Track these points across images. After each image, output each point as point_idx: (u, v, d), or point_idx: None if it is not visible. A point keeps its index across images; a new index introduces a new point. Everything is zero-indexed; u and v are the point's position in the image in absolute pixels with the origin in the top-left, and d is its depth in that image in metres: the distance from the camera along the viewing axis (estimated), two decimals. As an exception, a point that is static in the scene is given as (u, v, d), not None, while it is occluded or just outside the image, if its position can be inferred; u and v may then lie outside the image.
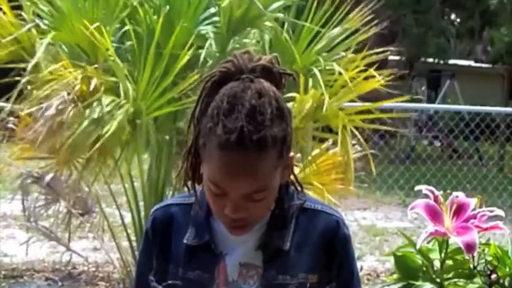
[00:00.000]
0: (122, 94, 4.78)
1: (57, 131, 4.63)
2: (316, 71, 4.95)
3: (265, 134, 1.72)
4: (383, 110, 5.80)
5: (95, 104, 4.70)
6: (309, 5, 5.25)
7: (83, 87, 4.74)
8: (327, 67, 5.11)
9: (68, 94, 4.65)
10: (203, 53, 5.00)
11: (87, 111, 4.67)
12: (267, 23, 5.24)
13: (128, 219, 5.61)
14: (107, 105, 4.68)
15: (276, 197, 1.84)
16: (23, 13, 5.24)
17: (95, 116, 4.63)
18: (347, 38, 5.32)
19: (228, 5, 5.11)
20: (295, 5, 5.41)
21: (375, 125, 5.47)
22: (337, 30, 5.32)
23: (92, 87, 4.68)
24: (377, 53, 5.14)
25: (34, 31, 5.19)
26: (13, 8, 5.26)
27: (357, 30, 5.32)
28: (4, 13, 5.21)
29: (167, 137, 5.13)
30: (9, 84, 5.07)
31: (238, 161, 1.72)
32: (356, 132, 4.99)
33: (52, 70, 4.83)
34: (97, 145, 4.60)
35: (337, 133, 4.87)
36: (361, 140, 5.02)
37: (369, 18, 5.24)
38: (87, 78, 4.76)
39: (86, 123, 4.62)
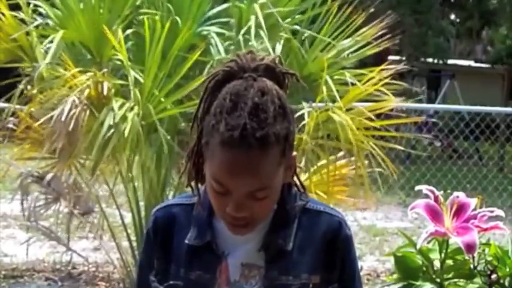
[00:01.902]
0: (132, 96, 4.79)
1: (72, 135, 4.66)
2: (328, 78, 4.96)
3: (268, 131, 1.72)
4: (388, 116, 5.81)
5: (107, 108, 4.72)
6: (322, 14, 5.29)
7: (91, 92, 4.76)
8: (336, 76, 5.12)
9: (78, 99, 4.66)
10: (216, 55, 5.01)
11: (102, 115, 4.68)
12: (282, 34, 5.24)
13: (128, 219, 5.61)
14: (119, 109, 4.69)
15: (279, 197, 1.84)
16: (20, 12, 5.23)
17: (111, 119, 4.64)
18: (359, 49, 5.37)
19: (247, 10, 5.11)
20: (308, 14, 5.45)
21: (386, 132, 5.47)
22: (348, 41, 5.35)
23: (105, 92, 4.72)
24: (390, 68, 5.19)
25: (33, 30, 5.19)
26: (11, 7, 5.26)
27: (369, 43, 5.36)
28: (2, 13, 5.20)
29: (168, 137, 5.13)
30: (8, 83, 5.08)
31: (241, 159, 1.72)
32: (374, 147, 5.03)
33: (60, 75, 4.85)
34: (108, 148, 4.62)
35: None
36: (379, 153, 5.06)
37: (381, 33, 5.29)
38: (96, 82, 4.78)
39: (104, 127, 4.62)
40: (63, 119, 4.58)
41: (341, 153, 5.13)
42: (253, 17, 4.95)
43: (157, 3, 5.31)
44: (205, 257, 1.88)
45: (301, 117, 4.86)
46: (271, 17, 5.17)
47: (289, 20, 5.33)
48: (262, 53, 2.05)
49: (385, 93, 5.10)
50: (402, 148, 5.85)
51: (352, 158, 5.09)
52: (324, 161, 5.12)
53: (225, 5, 5.39)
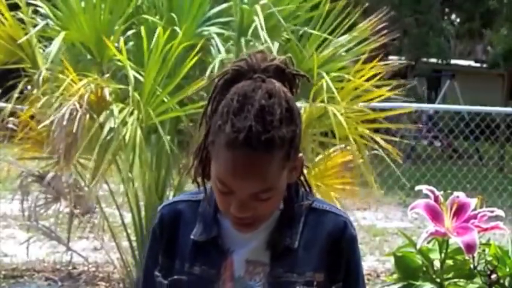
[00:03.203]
0: (131, 101, 4.78)
1: (72, 139, 4.66)
2: (324, 74, 4.94)
3: (273, 134, 1.72)
4: (383, 110, 5.81)
5: (107, 112, 4.71)
6: (318, 11, 5.27)
7: (91, 97, 4.76)
8: (334, 73, 5.11)
9: (79, 103, 4.66)
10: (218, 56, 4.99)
11: (101, 120, 4.68)
12: (284, 35, 5.23)
13: (128, 219, 5.61)
14: (120, 113, 4.68)
15: (285, 196, 1.85)
16: (19, 12, 5.22)
17: (111, 124, 4.64)
18: (356, 45, 5.35)
19: (250, 10, 5.10)
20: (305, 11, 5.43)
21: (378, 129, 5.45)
22: (344, 37, 5.33)
23: (106, 96, 4.72)
24: (386, 64, 5.17)
25: (32, 31, 5.19)
26: (10, 6, 5.25)
27: (366, 39, 5.34)
28: (2, 14, 5.20)
29: (168, 137, 5.13)
30: (7, 82, 5.08)
31: (245, 161, 1.72)
32: (364, 135, 5.01)
33: (61, 79, 4.85)
34: (109, 152, 4.62)
35: (341, 138, 4.90)
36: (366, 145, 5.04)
37: (378, 28, 5.27)
38: (97, 87, 4.78)
39: (104, 132, 4.62)
40: (64, 123, 4.58)
41: (336, 147, 5.13)
42: (256, 19, 4.95)
43: (157, 3, 5.31)
44: (210, 252, 1.88)
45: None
46: (273, 18, 5.16)
47: (291, 18, 5.32)
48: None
49: (384, 85, 5.08)
50: (397, 139, 5.83)
51: (348, 147, 5.07)
52: (320, 156, 5.13)
53: (225, 5, 5.38)
